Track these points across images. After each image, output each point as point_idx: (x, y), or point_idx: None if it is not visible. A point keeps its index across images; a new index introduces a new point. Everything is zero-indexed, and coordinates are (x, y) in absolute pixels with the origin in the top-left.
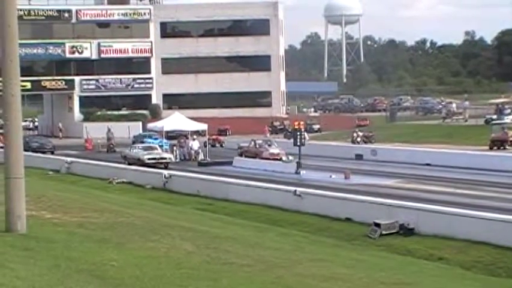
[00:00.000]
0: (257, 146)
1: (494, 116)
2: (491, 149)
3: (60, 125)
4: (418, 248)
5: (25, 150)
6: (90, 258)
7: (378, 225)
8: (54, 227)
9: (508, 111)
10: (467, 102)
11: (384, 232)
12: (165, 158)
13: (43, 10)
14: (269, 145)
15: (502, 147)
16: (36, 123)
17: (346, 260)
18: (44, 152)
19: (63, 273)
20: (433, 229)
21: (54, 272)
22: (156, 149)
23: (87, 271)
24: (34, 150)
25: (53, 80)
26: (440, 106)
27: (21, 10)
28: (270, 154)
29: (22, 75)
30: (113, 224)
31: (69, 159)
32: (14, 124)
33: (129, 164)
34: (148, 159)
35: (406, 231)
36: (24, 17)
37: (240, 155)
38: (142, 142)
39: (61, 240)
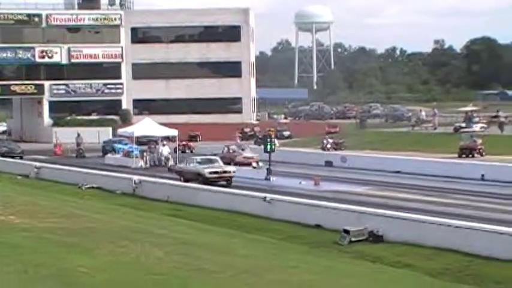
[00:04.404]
0: (230, 151)
1: (463, 124)
2: (460, 156)
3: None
4: (387, 255)
5: None
6: (58, 263)
7: (347, 232)
8: (22, 232)
9: (477, 119)
10: (436, 110)
11: (353, 239)
12: (228, 172)
13: (13, 14)
14: (242, 149)
15: (470, 155)
16: (5, 128)
17: (316, 266)
18: (12, 157)
19: (30, 279)
20: (402, 236)
21: (21, 278)
22: (217, 161)
23: (55, 276)
24: (2, 155)
25: (23, 84)
26: (410, 114)
27: None
28: (243, 158)
29: None
30: (82, 230)
31: (38, 164)
32: None
33: (185, 180)
34: (210, 173)
35: (375, 238)
36: None
37: None
38: (113, 148)
39: (29, 245)
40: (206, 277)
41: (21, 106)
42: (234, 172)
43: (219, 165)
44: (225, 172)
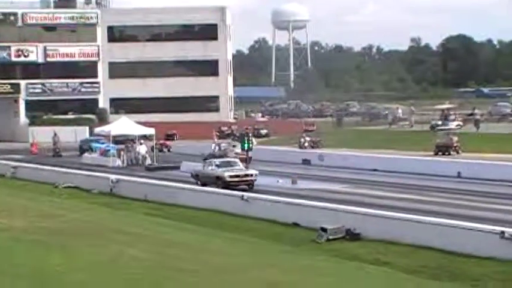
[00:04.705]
0: (222, 148)
1: (439, 122)
2: (436, 154)
3: None
4: (364, 252)
5: None
6: (35, 263)
7: (324, 230)
8: None
9: (453, 117)
10: (413, 108)
11: (330, 237)
12: (250, 175)
13: None
14: (234, 146)
15: (447, 153)
16: None
17: (294, 265)
18: None
19: (7, 279)
20: (379, 234)
21: None
22: (237, 164)
23: (32, 276)
24: None
25: None
26: (387, 112)
27: None
28: (235, 154)
29: None
30: (59, 229)
31: (14, 163)
32: None
33: (203, 184)
34: (230, 176)
35: (352, 236)
36: None
37: (204, 160)
38: (90, 147)
39: (5, 245)
40: (183, 276)
41: None
42: (256, 176)
43: (240, 168)
44: (246, 176)
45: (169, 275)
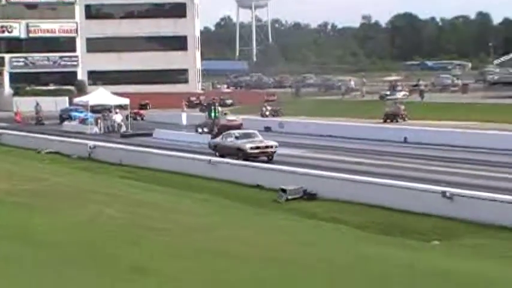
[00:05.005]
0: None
1: (388, 92)
2: (385, 121)
3: None
4: (320, 211)
5: None
6: (19, 223)
7: (284, 190)
8: None
9: (400, 88)
10: (364, 80)
11: (289, 197)
12: (270, 147)
13: None
14: (225, 114)
15: (394, 120)
16: None
17: (258, 223)
18: None
19: None
20: (334, 194)
21: None
22: (256, 135)
23: (16, 236)
24: None
25: None
26: (340, 83)
27: None
28: (227, 121)
29: None
30: (41, 191)
31: None
32: None
33: (221, 156)
34: (251, 148)
35: (309, 196)
36: None
37: (196, 129)
38: (69, 116)
39: None
40: (156, 234)
41: None
42: (276, 147)
43: (260, 140)
44: (266, 147)
45: (143, 233)
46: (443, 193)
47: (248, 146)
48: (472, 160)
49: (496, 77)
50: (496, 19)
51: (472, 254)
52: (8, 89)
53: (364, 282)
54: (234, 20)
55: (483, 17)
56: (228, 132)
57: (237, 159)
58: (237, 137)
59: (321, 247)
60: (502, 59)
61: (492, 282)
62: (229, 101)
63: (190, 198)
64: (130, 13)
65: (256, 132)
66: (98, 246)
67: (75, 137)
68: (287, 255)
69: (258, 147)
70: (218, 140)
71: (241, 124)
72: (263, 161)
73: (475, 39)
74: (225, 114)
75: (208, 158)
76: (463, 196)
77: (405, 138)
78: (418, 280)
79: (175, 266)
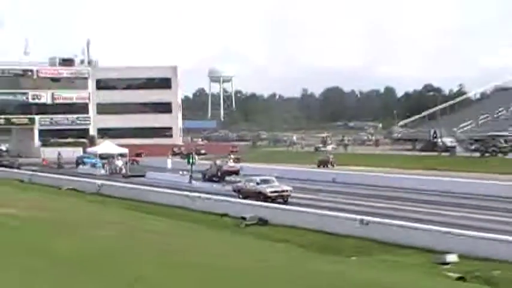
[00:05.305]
0: (217, 164)
1: (321, 145)
2: (319, 166)
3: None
4: (271, 233)
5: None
6: (44, 244)
7: (244, 218)
8: (14, 220)
9: (329, 142)
10: (303, 136)
11: (247, 223)
12: (286, 191)
13: (13, 69)
14: (226, 162)
15: (325, 166)
16: (6, 148)
17: (226, 241)
18: (12, 167)
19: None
20: (281, 221)
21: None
22: (273, 181)
23: (35, 250)
24: (5, 166)
25: (19, 118)
26: (285, 138)
27: None
28: (229, 167)
29: None
30: (60, 221)
31: (30, 172)
32: None
33: (244, 198)
34: (271, 192)
35: (263, 222)
36: None
37: (204, 175)
38: (83, 161)
39: (24, 226)
40: (150, 251)
41: (17, 133)
42: (291, 191)
43: (277, 185)
44: (283, 191)
45: (139, 250)
46: (361, 220)
47: (268, 190)
48: (382, 196)
49: (399, 135)
50: (399, 93)
51: (379, 266)
52: (37, 142)
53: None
54: (207, 90)
55: (389, 91)
56: (250, 178)
57: (257, 200)
58: (258, 183)
59: (271, 261)
60: (403, 122)
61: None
62: (203, 151)
63: (176, 224)
64: (129, 85)
65: (273, 178)
66: (99, 259)
67: (88, 177)
68: (240, 265)
69: (276, 191)
70: (241, 184)
71: (239, 170)
72: (279, 202)
73: (384, 106)
74: (226, 162)
75: (187, 193)
76: (375, 222)
77: (333, 178)
78: (343, 284)
79: (164, 273)
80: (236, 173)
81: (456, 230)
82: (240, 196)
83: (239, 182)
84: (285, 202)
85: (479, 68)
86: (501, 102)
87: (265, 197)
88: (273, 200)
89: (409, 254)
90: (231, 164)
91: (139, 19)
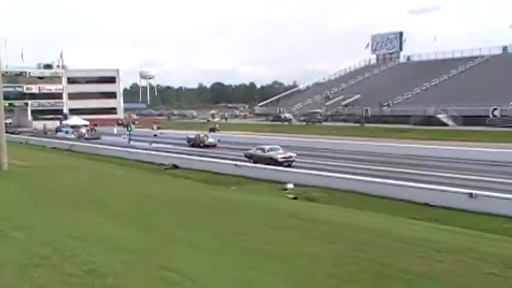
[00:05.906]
0: (200, 137)
1: (210, 118)
2: (210, 132)
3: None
4: (181, 174)
5: (7, 133)
6: (37, 182)
7: (163, 164)
8: (23, 168)
9: (216, 116)
10: (199, 112)
11: (165, 168)
12: (291, 157)
13: (13, 71)
14: (207, 136)
15: (213, 131)
16: (10, 121)
17: (157, 179)
18: (14, 134)
19: (24, 188)
20: (187, 165)
21: (20, 187)
22: (279, 149)
23: (36, 186)
24: (10, 133)
25: (18, 102)
26: (188, 114)
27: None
28: (209, 142)
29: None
30: (48, 166)
31: (26, 137)
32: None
33: (255, 162)
34: (281, 158)
35: (175, 167)
36: (4, 75)
37: (189, 141)
38: (60, 130)
39: (27, 172)
40: (112, 188)
41: (17, 112)
42: (294, 157)
43: (283, 152)
44: (289, 157)
45: (102, 187)
46: (236, 165)
47: (279, 156)
48: (248, 148)
49: (259, 112)
50: (258, 85)
51: (248, 192)
52: (30, 117)
53: (200, 206)
54: (139, 84)
55: (252, 84)
56: (259, 147)
57: (268, 164)
58: (267, 150)
59: (184, 189)
60: (261, 104)
61: (255, 203)
62: (136, 122)
63: (121, 168)
64: (89, 81)
65: (278, 146)
66: (73, 192)
67: (63, 140)
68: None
69: (284, 157)
70: (252, 152)
71: (216, 144)
72: (286, 166)
73: (249, 94)
74: (207, 137)
75: (126, 149)
76: (247, 167)
77: (219, 140)
78: (226, 203)
79: (115, 199)
80: (213, 146)
81: (292, 169)
82: (251, 161)
83: (249, 149)
84: (289, 166)
85: (305, 70)
86: (317, 92)
87: (276, 162)
88: (281, 164)
89: (265, 184)
90: (210, 140)
91: (99, 36)
